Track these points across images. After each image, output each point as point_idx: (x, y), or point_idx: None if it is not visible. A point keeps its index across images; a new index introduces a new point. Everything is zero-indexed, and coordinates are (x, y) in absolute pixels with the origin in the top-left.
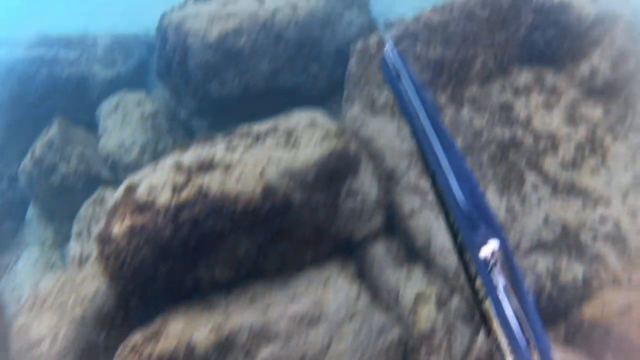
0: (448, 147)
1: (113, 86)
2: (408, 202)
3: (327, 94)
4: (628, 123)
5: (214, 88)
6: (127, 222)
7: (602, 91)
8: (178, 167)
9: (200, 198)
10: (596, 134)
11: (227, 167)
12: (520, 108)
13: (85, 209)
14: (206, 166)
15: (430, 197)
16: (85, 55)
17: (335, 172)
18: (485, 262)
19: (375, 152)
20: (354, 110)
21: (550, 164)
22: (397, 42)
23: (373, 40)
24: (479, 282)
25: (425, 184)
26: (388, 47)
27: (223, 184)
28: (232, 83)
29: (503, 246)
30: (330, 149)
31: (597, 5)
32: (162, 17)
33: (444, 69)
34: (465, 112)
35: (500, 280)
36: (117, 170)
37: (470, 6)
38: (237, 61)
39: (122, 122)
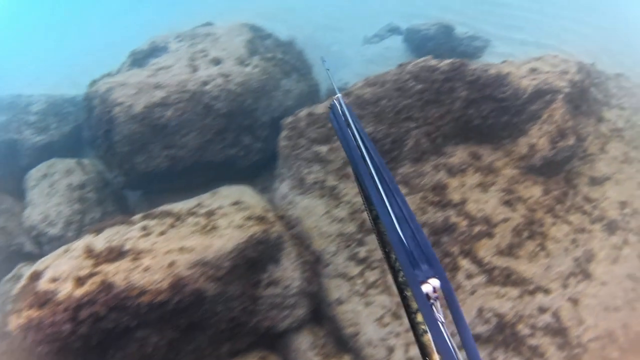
0: (391, 190)
1: (45, 153)
2: (335, 289)
3: (261, 166)
4: (569, 203)
5: (140, 161)
6: (24, 316)
7: (541, 169)
8: (88, 252)
9: (104, 291)
10: (535, 216)
11: (137, 255)
12: (454, 189)
13: (3, 286)
14: (116, 253)
15: (359, 283)
16: (16, 119)
17: (254, 260)
18: (427, 297)
19: (303, 234)
20: (283, 188)
21: (486, 250)
22: (327, 117)
23: (302, 114)
24: (419, 318)
25: (353, 269)
26: (337, 99)
27: (129, 275)
28: (159, 157)
29: (444, 285)
30: (249, 235)
31: (536, 78)
32: (91, 84)
33: (376, 145)
34: None
35: (440, 316)
36: (41, 244)
37: (402, 80)
38: (163, 134)
39: (48, 193)
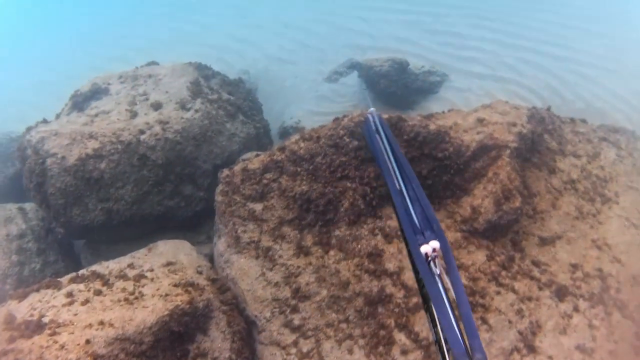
0: (409, 179)
1: None
2: (270, 358)
3: (205, 214)
4: (515, 268)
5: (76, 214)
6: None
7: (486, 233)
8: (8, 323)
9: None
10: (477, 286)
11: (56, 329)
12: (391, 256)
13: None
14: (35, 326)
15: (293, 353)
16: None
17: (180, 332)
18: (426, 255)
19: (238, 297)
20: (220, 245)
21: (423, 323)
22: (262, 172)
23: (238, 168)
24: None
25: (287, 337)
26: (371, 112)
27: (43, 355)
28: (95, 210)
29: (443, 245)
30: (174, 306)
31: (481, 132)
32: (25, 132)
33: (311, 206)
34: (332, 258)
35: (436, 270)
36: None
37: (338, 136)
38: (97, 187)
39: None
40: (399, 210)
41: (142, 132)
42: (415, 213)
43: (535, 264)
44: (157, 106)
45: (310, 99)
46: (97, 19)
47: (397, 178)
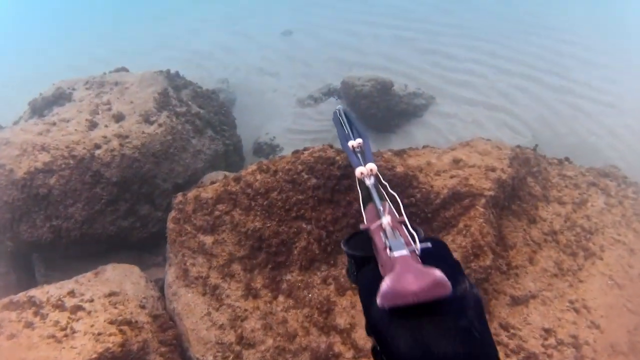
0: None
1: None
2: None
3: (162, 236)
4: None
5: (23, 230)
6: None
7: None
8: None
9: None
10: None
11: None
12: (343, 310)
13: None
14: None
15: None
16: None
17: None
18: (353, 147)
19: (181, 335)
20: (169, 275)
21: None
22: (215, 202)
23: (191, 195)
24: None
25: None
26: (339, 108)
27: None
28: (43, 227)
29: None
30: (104, 349)
31: (455, 176)
32: None
33: (263, 244)
34: (281, 304)
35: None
36: None
37: (296, 171)
38: (46, 203)
39: None
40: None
41: (97, 146)
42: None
43: (504, 327)
44: (119, 117)
45: (288, 115)
46: (81, 17)
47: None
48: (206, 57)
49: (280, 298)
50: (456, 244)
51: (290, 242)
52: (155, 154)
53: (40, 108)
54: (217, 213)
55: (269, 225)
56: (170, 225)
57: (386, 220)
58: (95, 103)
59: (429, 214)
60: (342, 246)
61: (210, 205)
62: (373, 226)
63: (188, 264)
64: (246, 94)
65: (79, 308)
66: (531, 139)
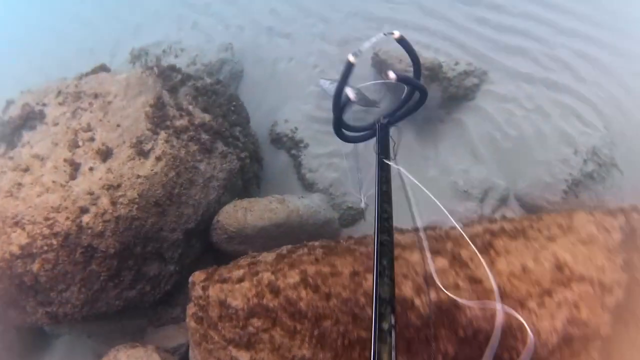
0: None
1: None
2: None
3: (175, 290)
4: None
5: (14, 316)
6: None
7: None
8: None
9: None
10: None
11: None
12: None
13: None
14: None
15: None
16: None
17: None
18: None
19: None
20: None
21: None
22: (248, 316)
23: (214, 296)
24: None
25: None
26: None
27: None
28: (37, 313)
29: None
30: None
31: (562, 308)
32: None
33: None
34: None
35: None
36: None
37: (356, 302)
38: (35, 291)
39: None
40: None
41: (84, 210)
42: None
43: None
44: (105, 154)
45: (308, 95)
46: None
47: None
48: (202, 10)
49: None
50: None
51: None
52: (158, 202)
53: (8, 134)
54: (251, 329)
55: (322, 357)
56: (191, 323)
57: None
58: (74, 129)
59: None
60: None
61: (241, 318)
62: None
63: None
64: (255, 64)
65: None
66: (604, 133)
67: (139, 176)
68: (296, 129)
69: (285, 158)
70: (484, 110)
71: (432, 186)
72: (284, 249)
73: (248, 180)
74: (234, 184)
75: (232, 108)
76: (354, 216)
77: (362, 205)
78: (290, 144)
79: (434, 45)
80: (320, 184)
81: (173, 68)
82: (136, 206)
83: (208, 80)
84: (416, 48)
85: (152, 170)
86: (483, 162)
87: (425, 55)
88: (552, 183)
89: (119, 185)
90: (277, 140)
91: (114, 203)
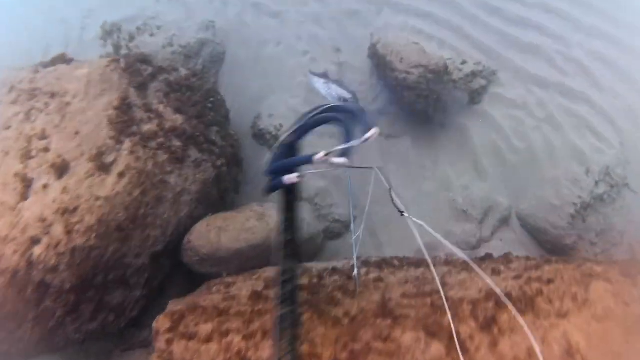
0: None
1: None
2: None
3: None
4: None
5: None
6: None
7: None
8: None
9: None
10: None
11: None
12: None
13: None
14: None
15: None
16: None
17: None
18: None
19: None
20: None
21: None
22: None
23: (178, 350)
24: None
25: None
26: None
27: None
28: None
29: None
30: None
31: None
32: None
33: None
34: None
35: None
36: None
37: None
38: None
39: None
40: None
41: (35, 241)
42: None
43: None
44: (61, 169)
45: (296, 86)
46: None
47: None
48: None
49: None
50: None
51: None
52: (121, 226)
53: None
54: None
55: None
56: None
57: None
58: (27, 134)
59: None
60: None
61: None
62: None
63: None
64: (239, 46)
65: None
66: (618, 150)
67: (98, 198)
68: (281, 126)
69: (268, 156)
70: (491, 117)
71: (428, 202)
72: (261, 282)
73: (225, 190)
74: (208, 194)
75: (209, 105)
76: (340, 230)
77: (353, 239)
78: (274, 143)
79: (438, 36)
80: (304, 192)
81: (143, 59)
82: (95, 234)
83: (183, 72)
84: (420, 39)
85: (113, 190)
86: (485, 177)
87: (428, 49)
88: (559, 205)
89: (75, 209)
90: (260, 137)
91: (69, 232)
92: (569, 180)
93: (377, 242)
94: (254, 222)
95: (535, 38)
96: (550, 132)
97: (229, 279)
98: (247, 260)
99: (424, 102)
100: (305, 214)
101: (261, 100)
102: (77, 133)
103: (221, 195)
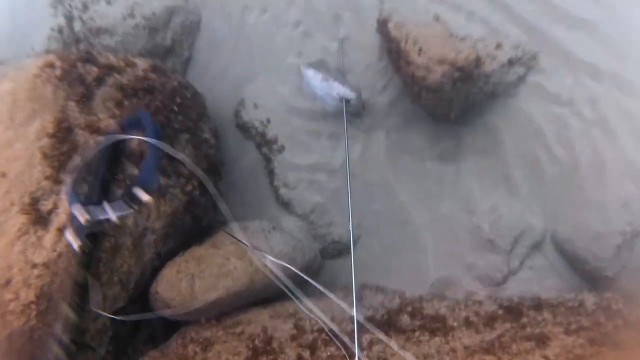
0: None
1: None
2: None
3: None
4: None
5: None
6: None
7: None
8: None
9: None
10: None
11: None
12: None
13: None
14: None
15: None
16: None
17: None
18: None
19: None
20: None
21: None
22: None
23: None
24: None
25: None
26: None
27: None
28: None
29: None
30: None
31: None
32: None
33: None
34: None
35: None
36: None
37: None
38: None
39: None
40: None
41: None
42: None
43: None
44: None
45: (287, 69)
46: None
47: None
48: None
49: None
50: None
51: None
52: (68, 295)
53: None
54: None
55: None
56: None
57: None
58: None
59: None
60: None
61: None
62: None
63: None
64: (216, 13)
65: None
66: None
67: (35, 265)
68: (268, 121)
69: (254, 155)
70: (528, 115)
71: (446, 227)
72: (244, 343)
73: (199, 216)
74: (180, 224)
75: (176, 108)
76: (340, 250)
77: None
78: (260, 140)
79: (467, 7)
80: (298, 207)
81: (87, 57)
82: (35, 312)
83: (140, 67)
84: (443, 9)
85: (54, 250)
86: (517, 195)
87: (454, 24)
88: (604, 233)
89: (7, 283)
90: (244, 129)
91: (1, 315)
92: (619, 202)
93: (384, 267)
94: (234, 262)
95: (586, 11)
96: (601, 139)
97: (207, 333)
98: (228, 305)
99: (447, 105)
100: (300, 233)
101: (245, 83)
102: (3, 175)
103: (196, 218)
